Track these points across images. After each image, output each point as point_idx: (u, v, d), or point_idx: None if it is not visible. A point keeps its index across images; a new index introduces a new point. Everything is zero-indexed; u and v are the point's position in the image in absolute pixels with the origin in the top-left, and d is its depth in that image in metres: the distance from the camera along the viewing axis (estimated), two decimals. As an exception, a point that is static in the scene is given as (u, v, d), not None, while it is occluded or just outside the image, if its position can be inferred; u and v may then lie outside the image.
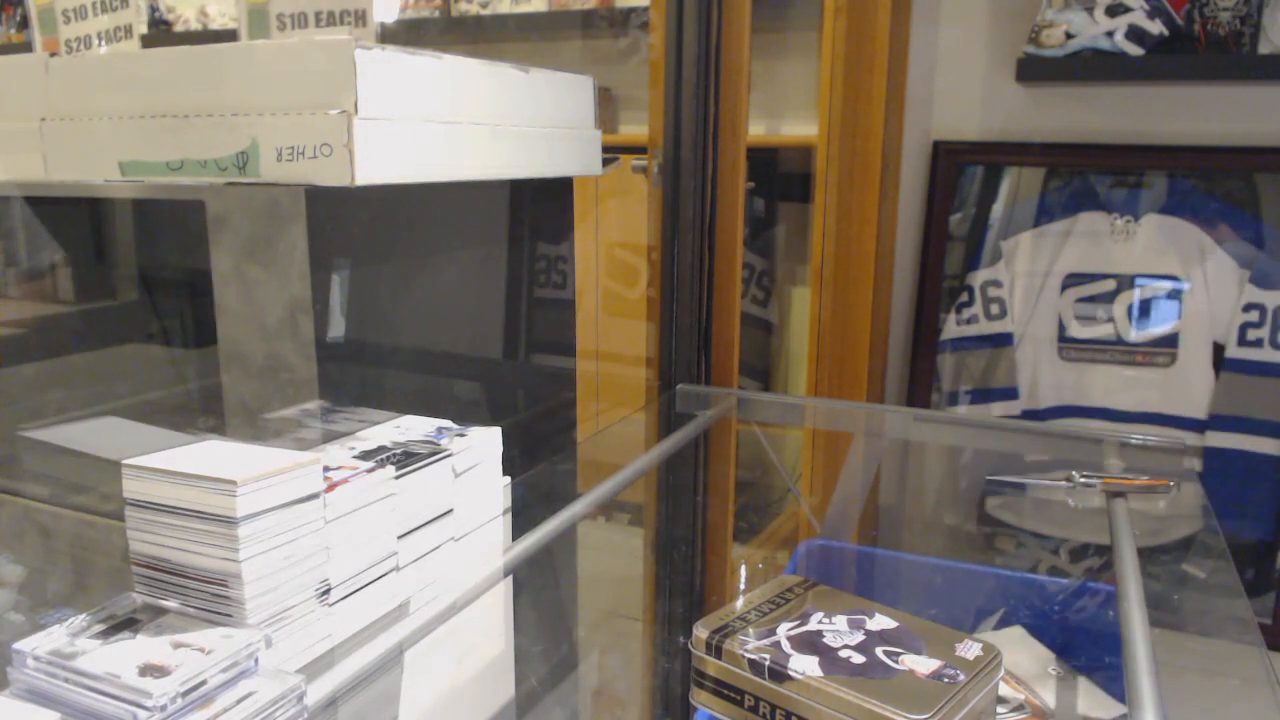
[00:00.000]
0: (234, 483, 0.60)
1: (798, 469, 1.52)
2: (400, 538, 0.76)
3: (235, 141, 0.79)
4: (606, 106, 2.07)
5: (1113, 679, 0.90)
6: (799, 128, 1.93)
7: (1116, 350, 1.58)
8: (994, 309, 1.64)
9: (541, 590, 0.96)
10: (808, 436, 1.57)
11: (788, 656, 0.62)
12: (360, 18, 0.84)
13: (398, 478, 0.74)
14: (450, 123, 0.88)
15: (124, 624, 0.59)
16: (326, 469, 0.69)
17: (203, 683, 0.55)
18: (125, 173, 0.85)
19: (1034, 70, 1.50)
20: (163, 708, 0.52)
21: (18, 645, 0.56)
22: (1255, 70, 1.44)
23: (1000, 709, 0.74)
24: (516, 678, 0.84)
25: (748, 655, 0.63)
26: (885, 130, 1.55)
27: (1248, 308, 1.49)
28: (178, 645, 0.57)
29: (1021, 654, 0.83)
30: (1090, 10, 1.45)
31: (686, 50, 1.44)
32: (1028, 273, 1.63)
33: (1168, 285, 1.55)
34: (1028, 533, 1.07)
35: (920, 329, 1.70)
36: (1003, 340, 1.64)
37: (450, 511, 0.81)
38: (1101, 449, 1.24)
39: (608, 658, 0.94)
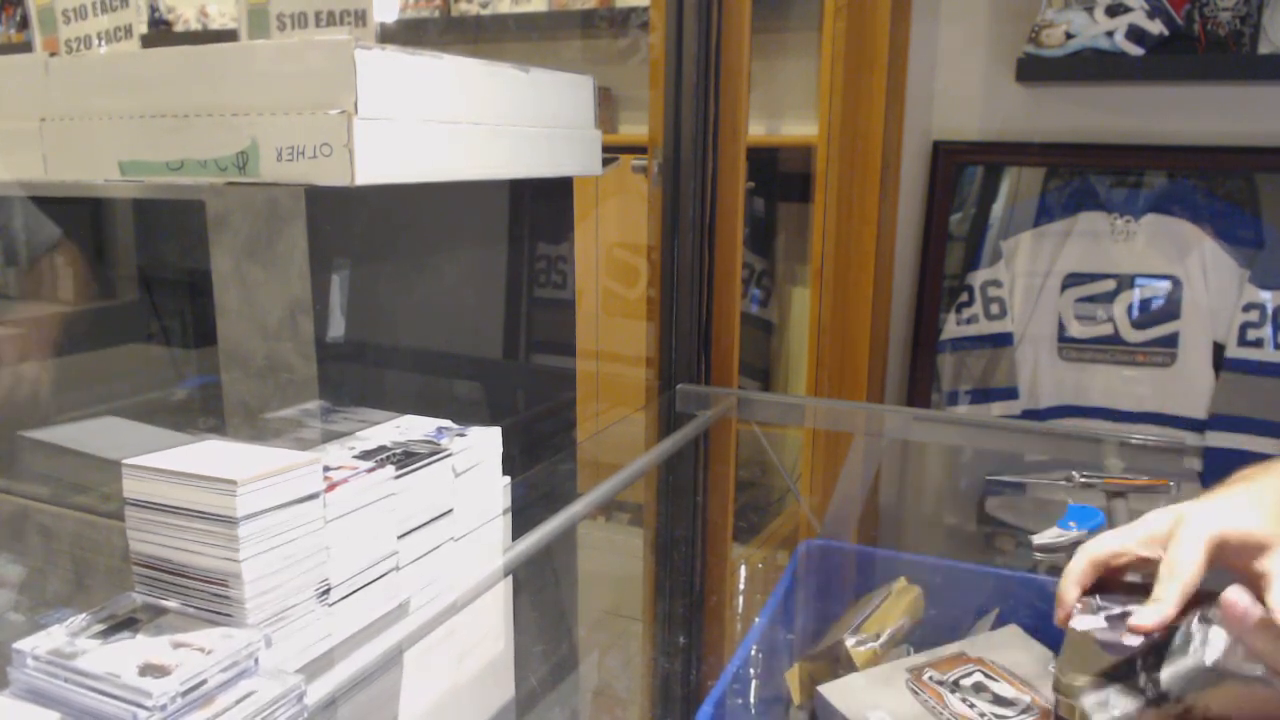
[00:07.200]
0: (234, 483, 0.60)
1: (798, 469, 1.52)
2: (400, 538, 0.76)
3: (235, 141, 0.79)
4: (606, 106, 2.07)
5: (1113, 679, 0.90)
6: (799, 128, 1.93)
7: (1116, 350, 1.58)
8: (994, 309, 1.64)
9: (541, 590, 0.96)
10: (808, 436, 1.57)
11: None
12: (360, 18, 0.84)
13: (398, 478, 0.74)
14: (450, 123, 0.88)
15: (124, 624, 0.59)
16: (326, 469, 0.69)
17: (203, 682, 0.55)
18: (125, 173, 0.85)
19: (1034, 70, 1.50)
20: (163, 708, 0.52)
21: (18, 645, 0.56)
22: (1255, 70, 1.44)
23: (1007, 711, 0.74)
24: (516, 678, 0.84)
25: None
26: (885, 130, 1.55)
27: (1247, 307, 1.49)
28: (178, 645, 0.57)
29: (1020, 653, 0.83)
30: (1090, 10, 1.45)
31: (686, 50, 1.44)
32: (1028, 272, 1.63)
33: (1168, 285, 1.55)
34: (1028, 533, 1.07)
35: (920, 329, 1.70)
36: (1003, 340, 1.64)
37: (450, 511, 0.81)
38: (1101, 449, 1.24)
39: (608, 658, 0.93)
